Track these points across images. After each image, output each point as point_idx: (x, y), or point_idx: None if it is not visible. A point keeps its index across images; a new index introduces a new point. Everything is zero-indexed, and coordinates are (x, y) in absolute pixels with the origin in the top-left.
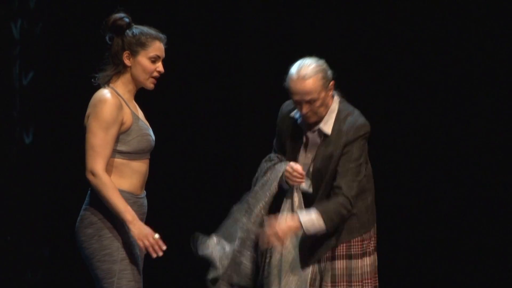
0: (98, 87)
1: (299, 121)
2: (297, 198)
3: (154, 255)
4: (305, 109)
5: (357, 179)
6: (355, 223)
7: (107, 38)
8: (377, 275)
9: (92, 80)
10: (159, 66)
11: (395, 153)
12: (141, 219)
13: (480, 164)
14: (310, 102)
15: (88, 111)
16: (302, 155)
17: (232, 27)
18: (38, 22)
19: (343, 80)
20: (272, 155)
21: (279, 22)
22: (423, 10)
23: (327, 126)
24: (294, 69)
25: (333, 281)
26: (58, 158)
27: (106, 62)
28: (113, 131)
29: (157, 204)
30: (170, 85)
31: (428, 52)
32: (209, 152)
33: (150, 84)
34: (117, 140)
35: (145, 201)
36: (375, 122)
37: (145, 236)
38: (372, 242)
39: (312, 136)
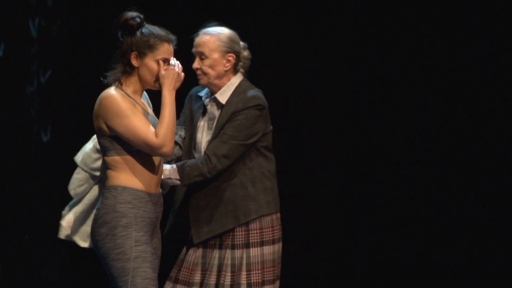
0: (107, 86)
1: (203, 97)
2: None
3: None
4: (196, 63)
5: (232, 142)
6: (251, 204)
7: (119, 35)
8: (280, 265)
9: (101, 78)
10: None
11: (394, 153)
12: (156, 218)
13: (480, 164)
14: (202, 57)
15: (98, 112)
16: (203, 131)
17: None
18: (56, 21)
19: (346, 79)
20: None
21: (285, 23)
22: (423, 10)
23: (223, 96)
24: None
25: (233, 270)
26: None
27: (116, 61)
28: (138, 114)
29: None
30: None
31: (428, 52)
32: None
33: (157, 86)
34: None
35: (161, 200)
36: (375, 122)
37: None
38: (274, 231)
39: (211, 110)
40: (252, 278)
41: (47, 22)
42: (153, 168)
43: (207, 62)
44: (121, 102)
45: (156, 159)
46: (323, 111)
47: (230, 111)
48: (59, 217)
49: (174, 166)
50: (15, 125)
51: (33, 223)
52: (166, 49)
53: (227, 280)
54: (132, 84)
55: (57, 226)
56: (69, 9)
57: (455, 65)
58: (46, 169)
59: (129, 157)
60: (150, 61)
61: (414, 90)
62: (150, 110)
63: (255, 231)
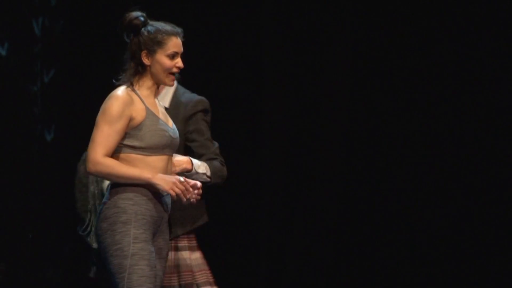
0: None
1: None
2: None
3: (185, 199)
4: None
5: (214, 143)
6: (198, 212)
7: (125, 36)
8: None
9: (114, 81)
10: (178, 62)
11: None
12: (159, 217)
13: (479, 165)
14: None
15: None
16: None
17: (253, 24)
18: (59, 20)
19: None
20: None
21: (299, 21)
22: (423, 9)
23: (164, 99)
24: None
25: (178, 271)
26: (80, 155)
27: (126, 63)
28: (117, 126)
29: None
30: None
31: (428, 52)
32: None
33: (170, 82)
34: (129, 135)
35: (167, 199)
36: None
37: (173, 184)
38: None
39: None
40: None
41: (51, 22)
42: (158, 166)
43: None
44: (116, 106)
45: (163, 160)
46: (327, 112)
47: (181, 116)
48: (62, 216)
49: (205, 163)
50: (18, 124)
51: (37, 222)
52: (174, 43)
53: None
54: (145, 83)
55: (59, 225)
56: (72, 8)
57: (467, 65)
58: (50, 168)
59: (133, 155)
60: (161, 57)
61: (410, 89)
62: (160, 109)
63: (192, 236)
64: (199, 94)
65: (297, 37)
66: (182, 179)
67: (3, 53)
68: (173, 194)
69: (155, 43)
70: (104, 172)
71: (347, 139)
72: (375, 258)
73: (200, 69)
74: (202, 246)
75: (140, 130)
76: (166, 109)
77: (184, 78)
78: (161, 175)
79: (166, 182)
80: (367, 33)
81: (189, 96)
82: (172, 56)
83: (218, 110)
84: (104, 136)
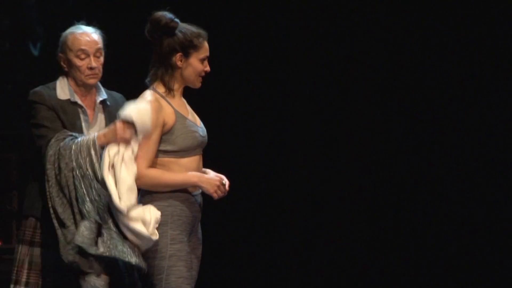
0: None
1: (78, 100)
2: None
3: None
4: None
5: None
6: None
7: (152, 37)
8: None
9: (146, 81)
10: (207, 66)
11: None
12: (193, 217)
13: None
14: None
15: None
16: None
17: (280, 25)
18: (92, 21)
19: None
20: (59, 134)
21: (327, 21)
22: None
23: (102, 95)
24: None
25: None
26: None
27: (155, 64)
28: (154, 136)
29: (210, 202)
30: (221, 84)
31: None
32: (260, 150)
33: (199, 84)
34: (162, 140)
35: (199, 199)
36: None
37: (217, 188)
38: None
39: (95, 112)
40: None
41: (83, 23)
42: (191, 167)
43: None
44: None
45: (195, 160)
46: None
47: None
48: None
49: None
50: None
51: None
52: (206, 47)
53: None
54: (173, 85)
55: None
56: (104, 9)
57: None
58: None
59: (166, 159)
60: (194, 60)
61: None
62: (187, 111)
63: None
64: (228, 93)
65: (325, 34)
66: (224, 181)
67: (36, 53)
68: (216, 196)
69: (191, 46)
70: (149, 184)
71: (374, 138)
72: (401, 258)
73: (229, 69)
74: (231, 245)
75: (172, 134)
76: (107, 105)
77: (213, 77)
78: (206, 177)
79: (211, 185)
80: (396, 33)
81: (112, 91)
82: (203, 60)
83: (247, 108)
84: (143, 148)
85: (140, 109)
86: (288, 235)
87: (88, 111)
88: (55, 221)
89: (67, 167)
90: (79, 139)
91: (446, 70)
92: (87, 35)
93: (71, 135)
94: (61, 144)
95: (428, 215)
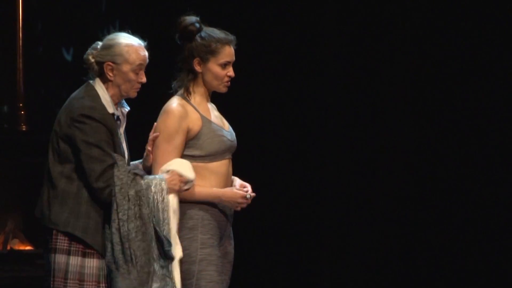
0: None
1: (120, 115)
2: None
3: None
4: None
5: None
6: None
7: (179, 41)
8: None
9: (172, 86)
10: (230, 71)
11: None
12: (224, 222)
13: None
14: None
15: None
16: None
17: (313, 26)
18: (125, 27)
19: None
20: (122, 166)
21: (357, 21)
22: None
23: (125, 105)
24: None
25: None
26: None
27: (179, 69)
28: (176, 141)
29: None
30: (250, 88)
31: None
32: (293, 153)
33: (223, 89)
34: (188, 146)
35: None
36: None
37: (239, 204)
38: None
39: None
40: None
41: (116, 29)
42: (220, 171)
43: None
44: (172, 121)
45: (224, 164)
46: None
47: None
48: None
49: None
50: None
51: None
52: (227, 52)
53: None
54: (198, 90)
55: None
56: (137, 15)
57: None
58: None
59: (195, 164)
60: (213, 66)
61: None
62: (214, 116)
63: None
64: (261, 92)
65: (357, 33)
66: (248, 195)
67: (69, 58)
68: (239, 209)
69: (208, 52)
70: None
71: (408, 138)
72: (436, 258)
73: (262, 68)
74: (265, 245)
75: (199, 139)
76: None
77: (248, 77)
78: (228, 194)
79: (233, 204)
80: (429, 33)
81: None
82: (224, 65)
83: (280, 108)
84: (164, 155)
85: (183, 163)
86: (320, 239)
87: (121, 125)
88: (122, 256)
89: (148, 218)
90: (152, 186)
91: (486, 71)
92: (143, 49)
93: (134, 172)
94: (137, 187)
95: (464, 220)
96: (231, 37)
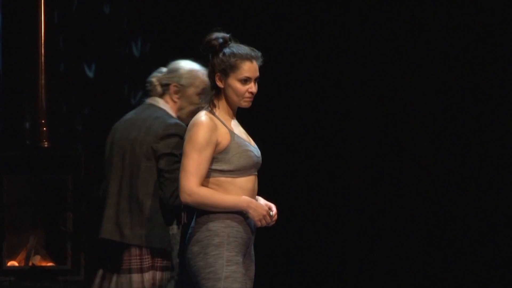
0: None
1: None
2: None
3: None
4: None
5: None
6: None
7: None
8: None
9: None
10: (251, 87)
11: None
12: (248, 239)
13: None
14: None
15: (185, 135)
16: None
17: (339, 31)
18: (147, 42)
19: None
20: None
21: (385, 25)
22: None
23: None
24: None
25: None
26: None
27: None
28: (206, 153)
29: None
30: (276, 96)
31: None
32: (317, 160)
33: (245, 103)
34: (217, 160)
35: (253, 221)
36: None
37: (263, 217)
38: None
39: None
40: None
41: (138, 44)
42: (247, 187)
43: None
44: (202, 133)
45: (251, 180)
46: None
47: None
48: None
49: None
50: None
51: None
52: (248, 67)
53: None
54: (222, 105)
55: None
56: (159, 30)
57: None
58: None
59: (223, 178)
60: (233, 81)
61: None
62: (240, 131)
63: None
64: (286, 97)
65: (384, 39)
66: (272, 212)
67: (90, 74)
68: (259, 225)
69: (227, 67)
70: (199, 202)
71: (435, 143)
72: (463, 263)
73: (289, 73)
74: (291, 248)
75: (227, 154)
76: None
77: (274, 83)
78: (255, 204)
79: (258, 214)
80: (456, 39)
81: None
82: (245, 81)
83: (307, 113)
84: (195, 165)
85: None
86: (344, 254)
87: None
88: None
89: None
90: None
91: None
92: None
93: None
94: None
95: (494, 223)
96: (255, 53)
